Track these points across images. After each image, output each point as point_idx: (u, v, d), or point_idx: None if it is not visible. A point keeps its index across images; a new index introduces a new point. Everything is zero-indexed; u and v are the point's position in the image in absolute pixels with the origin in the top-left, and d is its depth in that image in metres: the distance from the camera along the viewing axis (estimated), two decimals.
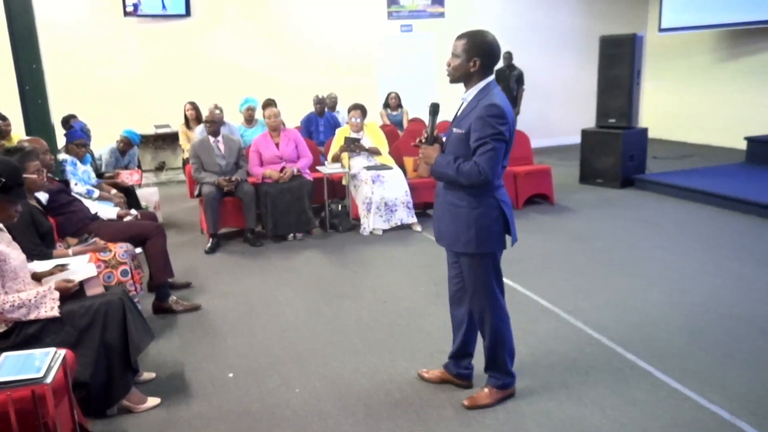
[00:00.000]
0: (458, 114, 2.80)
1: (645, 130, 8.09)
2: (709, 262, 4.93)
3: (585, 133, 8.15)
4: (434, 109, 2.87)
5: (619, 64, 7.69)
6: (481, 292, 2.85)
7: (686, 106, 11.21)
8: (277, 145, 6.10)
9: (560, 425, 2.81)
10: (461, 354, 3.13)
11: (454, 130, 2.76)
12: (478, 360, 3.11)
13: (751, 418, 2.80)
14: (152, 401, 3.09)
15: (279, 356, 3.60)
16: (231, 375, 3.39)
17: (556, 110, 11.53)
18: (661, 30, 10.91)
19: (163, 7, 9.19)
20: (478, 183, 2.62)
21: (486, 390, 3.02)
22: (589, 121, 8.37)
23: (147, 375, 3.35)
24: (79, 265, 3.19)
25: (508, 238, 2.83)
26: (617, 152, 7.72)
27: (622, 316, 3.96)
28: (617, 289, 4.43)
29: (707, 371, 3.24)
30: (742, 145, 8.68)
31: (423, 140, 2.86)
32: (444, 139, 2.90)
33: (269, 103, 7.20)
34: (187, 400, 3.14)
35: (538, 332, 3.76)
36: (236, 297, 4.57)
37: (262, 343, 3.79)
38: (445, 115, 3.02)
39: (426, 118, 2.92)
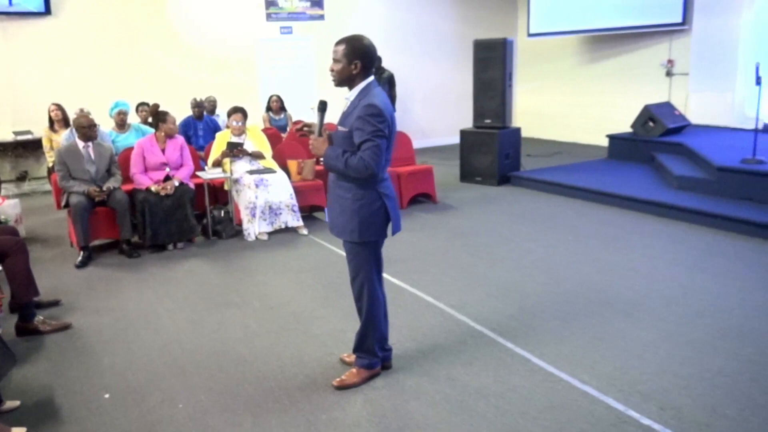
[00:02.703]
0: (343, 113, 2.97)
1: (518, 130, 8.51)
2: (578, 252, 5.28)
3: (463, 134, 8.46)
4: (322, 105, 3.04)
5: (493, 67, 8.03)
6: (360, 277, 3.05)
7: (554, 106, 11.96)
8: (163, 150, 5.84)
9: (447, 416, 2.89)
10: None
11: (339, 128, 2.97)
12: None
13: (618, 394, 3.03)
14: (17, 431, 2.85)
15: (160, 372, 3.43)
16: (107, 396, 3.19)
17: (435, 111, 11.88)
18: (529, 35, 11.57)
19: (9, 3, 8.38)
20: (365, 175, 2.84)
21: (354, 370, 3.19)
22: (467, 122, 8.70)
23: (10, 403, 3.07)
24: None
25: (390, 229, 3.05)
26: (494, 151, 8.07)
27: (501, 308, 4.14)
28: (497, 282, 4.63)
29: (579, 354, 3.46)
30: (605, 142, 9.38)
31: (306, 128, 3.08)
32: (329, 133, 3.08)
33: (167, 112, 6.88)
34: (57, 428, 2.92)
35: (423, 328, 3.85)
36: (112, 312, 4.30)
37: (142, 359, 3.59)
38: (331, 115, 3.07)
39: (310, 119, 3.04)
